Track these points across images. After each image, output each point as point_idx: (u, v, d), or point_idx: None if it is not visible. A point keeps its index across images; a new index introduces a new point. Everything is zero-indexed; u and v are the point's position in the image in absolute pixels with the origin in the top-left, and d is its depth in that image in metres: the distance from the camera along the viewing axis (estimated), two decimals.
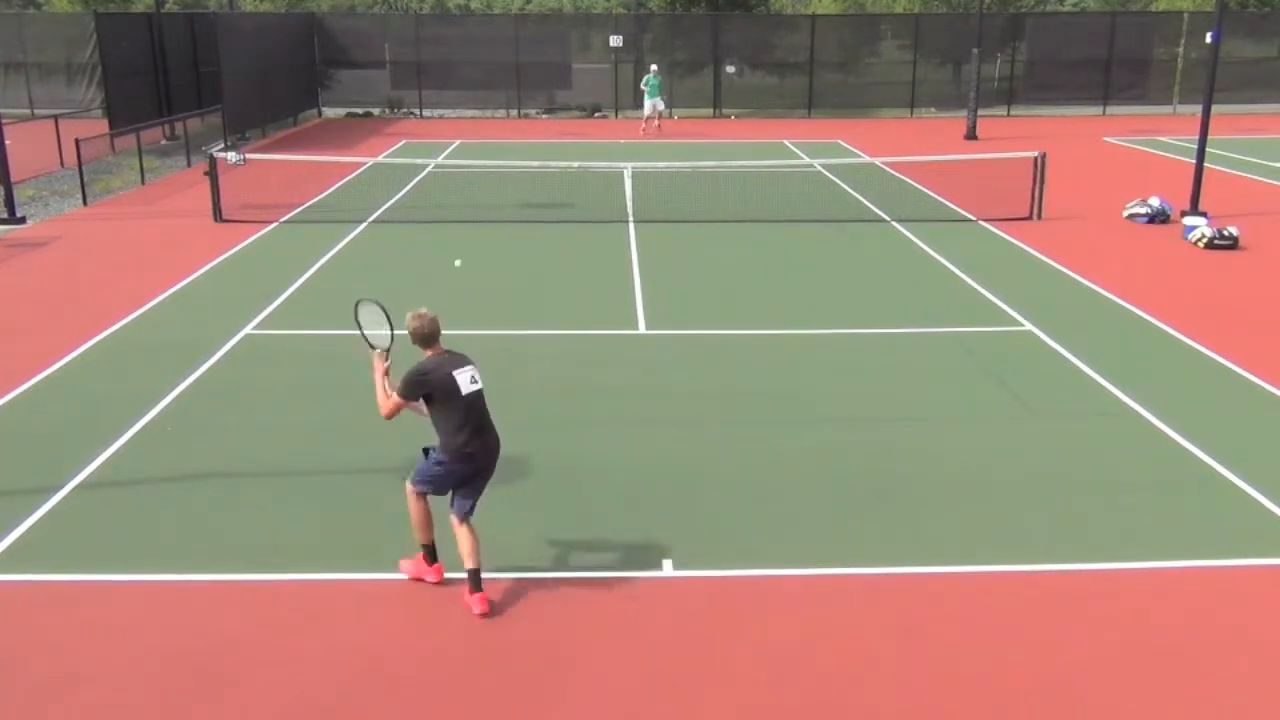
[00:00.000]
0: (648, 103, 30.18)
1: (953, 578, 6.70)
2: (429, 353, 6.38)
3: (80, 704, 5.50)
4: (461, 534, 6.36)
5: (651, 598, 6.49)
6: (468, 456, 6.30)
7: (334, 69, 35.74)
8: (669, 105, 31.46)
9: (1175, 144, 27.26)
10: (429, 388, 6.28)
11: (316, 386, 9.95)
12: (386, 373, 6.53)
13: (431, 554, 6.56)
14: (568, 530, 7.28)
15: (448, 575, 6.56)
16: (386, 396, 6.45)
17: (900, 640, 6.05)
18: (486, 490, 6.52)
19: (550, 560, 6.88)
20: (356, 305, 6.84)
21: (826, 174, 22.17)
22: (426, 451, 6.50)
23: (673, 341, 11.26)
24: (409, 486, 6.49)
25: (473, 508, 6.40)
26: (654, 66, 31.02)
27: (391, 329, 6.60)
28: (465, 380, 6.31)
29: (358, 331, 6.85)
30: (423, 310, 6.42)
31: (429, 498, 6.45)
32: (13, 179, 17.55)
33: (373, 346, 6.68)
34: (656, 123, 30.06)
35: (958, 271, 14.07)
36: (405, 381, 6.31)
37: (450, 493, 6.43)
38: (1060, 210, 17.86)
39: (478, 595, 6.32)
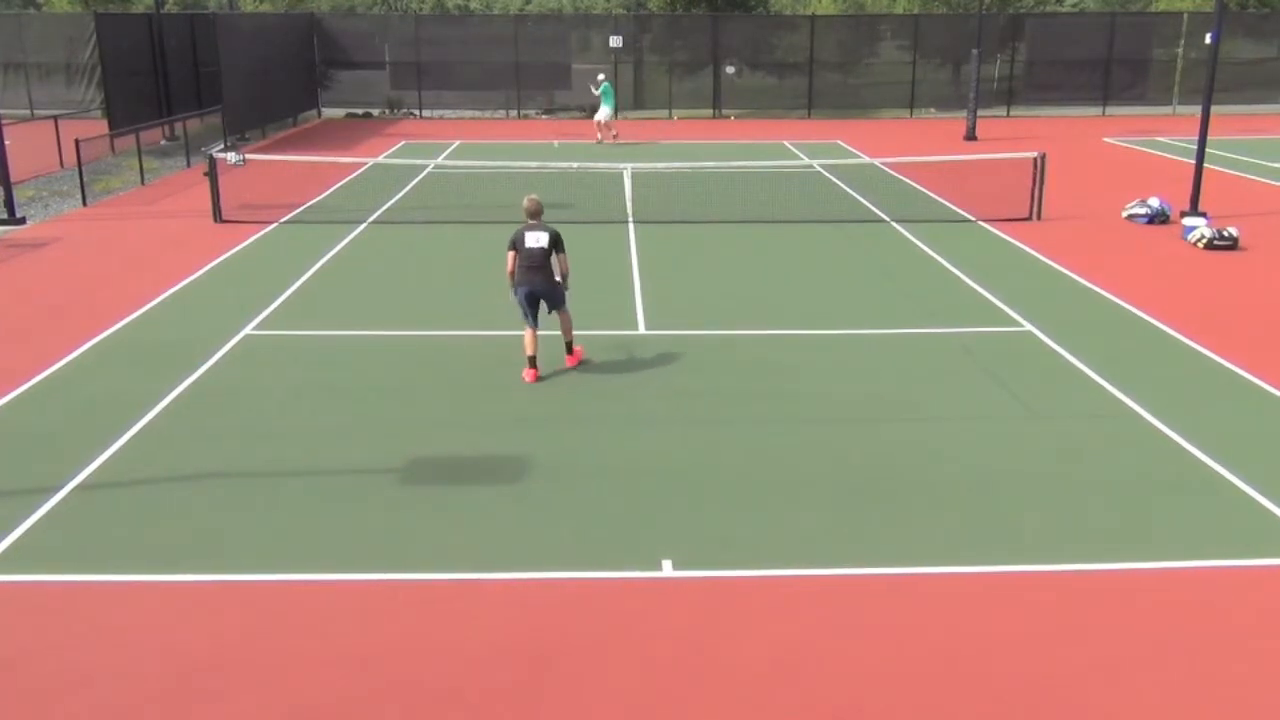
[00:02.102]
0: (603, 109, 27.67)
1: (953, 578, 6.71)
2: (528, 221, 10.05)
3: (81, 704, 5.50)
4: (562, 321, 10.31)
5: (651, 598, 6.49)
6: (520, 283, 9.96)
7: (334, 69, 35.75)
8: (616, 112, 28.32)
9: (1175, 144, 27.27)
10: (512, 242, 10.01)
11: (316, 387, 9.95)
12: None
13: (531, 361, 10.11)
14: (568, 530, 7.28)
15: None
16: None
17: (900, 640, 6.05)
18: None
19: (550, 560, 6.88)
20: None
21: (826, 174, 22.18)
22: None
23: (672, 342, 11.26)
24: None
25: (553, 308, 10.17)
26: (600, 75, 28.81)
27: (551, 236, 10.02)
28: (530, 239, 9.96)
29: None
30: (533, 195, 10.20)
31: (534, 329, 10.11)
32: (13, 179, 17.56)
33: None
34: (613, 132, 27.76)
35: (957, 272, 14.07)
36: (509, 243, 10.07)
37: (530, 297, 10.00)
38: (1060, 211, 17.86)
39: (570, 356, 10.37)
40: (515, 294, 10.05)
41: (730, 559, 6.90)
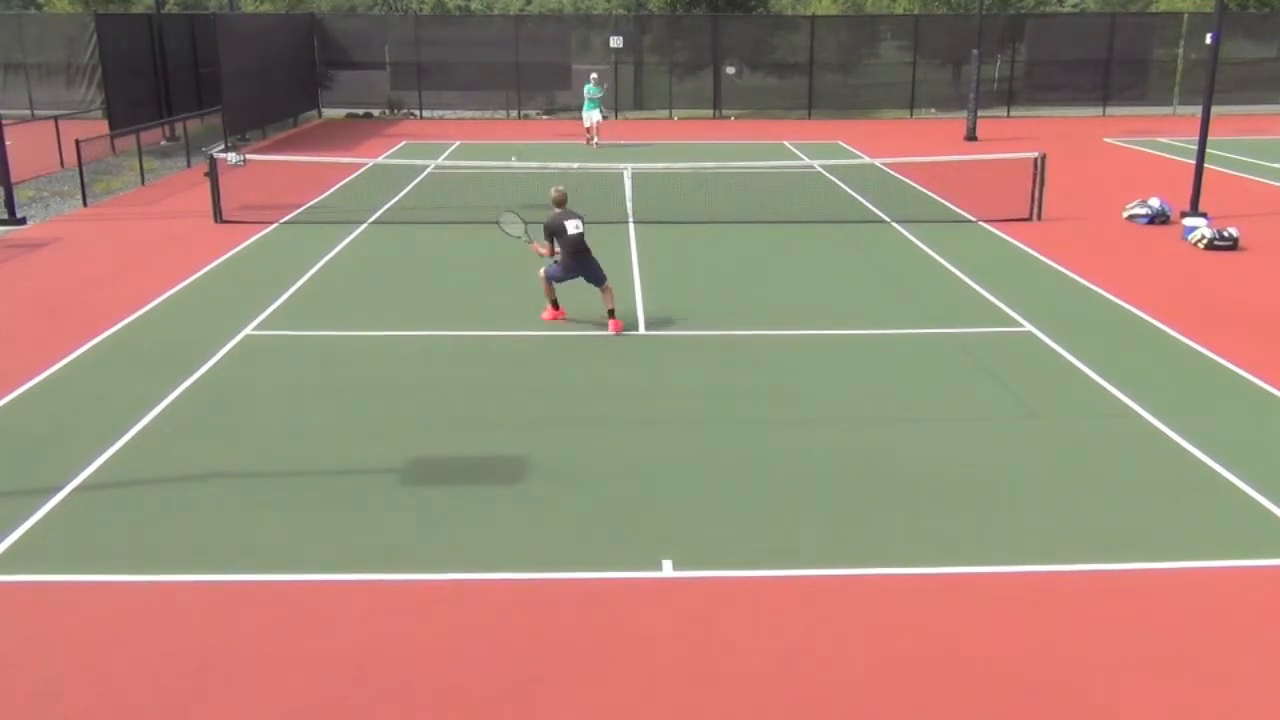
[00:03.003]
0: (587, 113, 27.16)
1: (953, 578, 6.70)
2: (557, 210, 11.28)
3: (80, 705, 5.50)
4: (603, 294, 11.51)
5: (652, 598, 6.49)
6: (570, 264, 11.37)
7: (334, 70, 35.75)
8: (605, 114, 27.47)
9: (1175, 145, 27.27)
10: (552, 230, 11.24)
11: (316, 387, 9.95)
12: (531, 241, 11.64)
13: (555, 304, 11.71)
14: (568, 530, 7.28)
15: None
16: (541, 246, 11.45)
17: (900, 640, 6.05)
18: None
19: (550, 560, 6.88)
20: (499, 221, 11.93)
21: (826, 175, 22.18)
22: (555, 263, 11.49)
23: (673, 342, 11.27)
24: (541, 274, 11.63)
25: (601, 281, 11.48)
26: (594, 75, 27.85)
27: (525, 226, 11.66)
28: (571, 227, 11.19)
29: (507, 235, 11.85)
30: (559, 186, 11.49)
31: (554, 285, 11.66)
32: (13, 180, 17.56)
33: (519, 237, 11.75)
34: (595, 138, 27.09)
35: (958, 272, 14.07)
36: (545, 231, 11.30)
37: (576, 276, 11.49)
38: (1060, 211, 17.86)
39: (614, 322, 11.44)
40: (563, 277, 11.48)
41: (730, 559, 6.90)
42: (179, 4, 39.24)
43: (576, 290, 11.83)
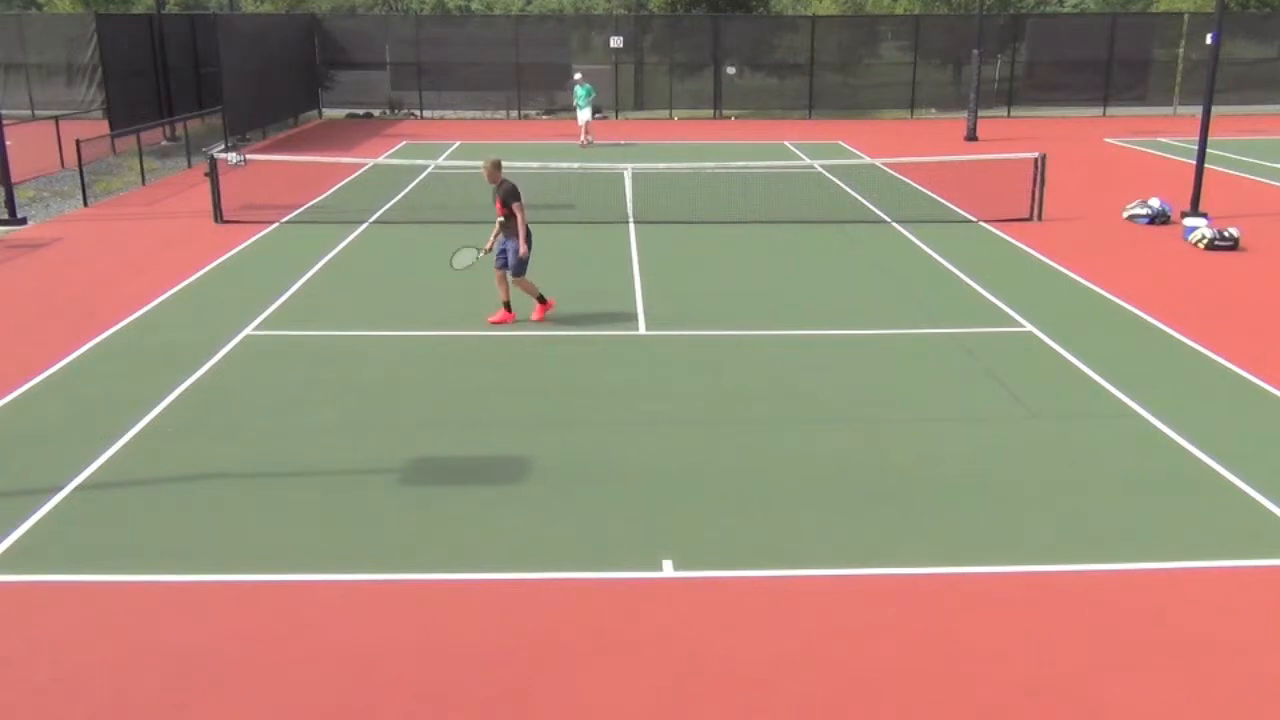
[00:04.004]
0: (579, 113, 27.59)
1: (953, 578, 6.70)
2: (500, 175, 11.44)
3: (80, 705, 5.50)
4: (522, 285, 11.59)
5: (651, 598, 6.49)
6: (528, 233, 11.44)
7: (334, 70, 35.78)
8: (598, 113, 27.68)
9: (1176, 145, 27.27)
10: (518, 194, 11.31)
11: (317, 387, 9.95)
12: (490, 249, 11.71)
13: (542, 298, 11.76)
14: (568, 530, 7.28)
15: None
16: (519, 222, 11.37)
17: (900, 640, 6.05)
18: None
19: (550, 560, 6.88)
20: (451, 262, 11.91)
21: (827, 175, 22.18)
22: (515, 253, 11.42)
23: (673, 342, 11.27)
24: (517, 279, 11.53)
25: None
26: (578, 75, 28.50)
27: (478, 252, 11.79)
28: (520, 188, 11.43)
29: (463, 267, 11.91)
30: (492, 156, 11.69)
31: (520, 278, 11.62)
32: (13, 180, 17.57)
33: (472, 264, 11.85)
34: (588, 136, 27.45)
35: (958, 272, 14.07)
36: (517, 195, 11.31)
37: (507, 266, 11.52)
38: (1061, 211, 17.86)
39: (542, 306, 11.73)
40: (528, 251, 11.45)
41: (730, 559, 6.90)
42: (179, 4, 39.25)
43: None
